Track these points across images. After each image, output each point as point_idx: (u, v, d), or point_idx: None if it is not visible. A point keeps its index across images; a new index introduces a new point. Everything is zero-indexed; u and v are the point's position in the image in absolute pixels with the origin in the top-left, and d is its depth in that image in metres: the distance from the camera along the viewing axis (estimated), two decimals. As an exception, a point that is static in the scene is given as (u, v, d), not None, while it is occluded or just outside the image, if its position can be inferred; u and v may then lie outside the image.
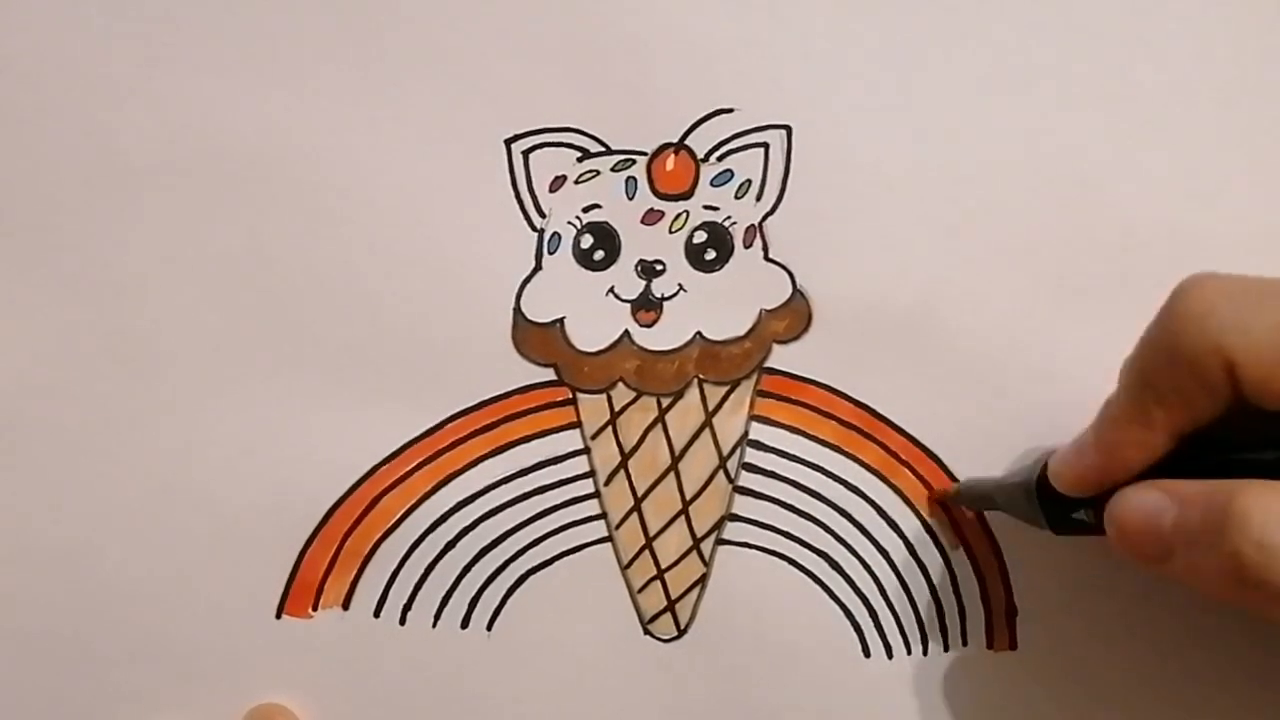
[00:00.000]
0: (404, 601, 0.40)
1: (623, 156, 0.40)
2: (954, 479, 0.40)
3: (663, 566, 0.40)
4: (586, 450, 0.40)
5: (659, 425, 0.40)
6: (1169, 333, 0.32)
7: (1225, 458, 0.32)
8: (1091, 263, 0.40)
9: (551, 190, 0.40)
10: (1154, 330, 0.33)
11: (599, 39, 0.40)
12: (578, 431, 0.40)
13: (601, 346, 0.40)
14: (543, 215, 0.40)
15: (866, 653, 0.40)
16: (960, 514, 0.40)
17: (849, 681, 0.39)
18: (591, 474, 0.40)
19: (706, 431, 0.40)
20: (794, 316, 0.40)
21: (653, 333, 0.40)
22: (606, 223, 0.40)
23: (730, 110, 0.40)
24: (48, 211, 0.40)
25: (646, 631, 0.40)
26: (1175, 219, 0.40)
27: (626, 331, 0.40)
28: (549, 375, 0.40)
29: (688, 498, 0.40)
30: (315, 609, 0.39)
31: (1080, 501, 0.35)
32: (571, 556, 0.40)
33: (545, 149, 0.40)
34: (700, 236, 0.40)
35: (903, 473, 0.40)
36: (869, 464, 0.40)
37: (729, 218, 0.40)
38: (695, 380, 0.40)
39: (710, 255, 0.40)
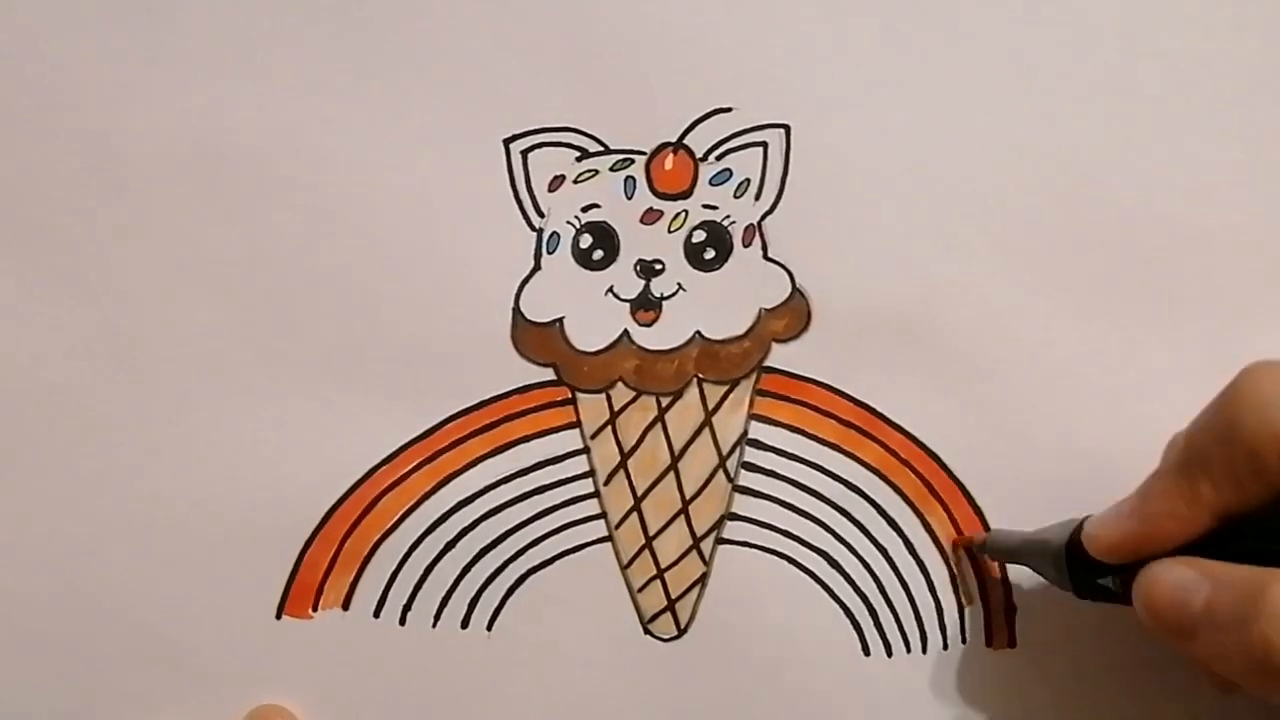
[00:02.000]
0: (404, 602, 0.40)
1: (621, 156, 0.40)
2: (953, 479, 0.40)
3: (662, 566, 0.40)
4: (586, 450, 0.40)
5: (658, 425, 0.40)
6: (1229, 414, 0.32)
7: (1263, 545, 0.32)
8: (1091, 263, 0.40)
9: (550, 190, 0.40)
10: (1214, 409, 0.33)
11: (598, 39, 0.40)
12: (577, 431, 0.40)
13: (601, 346, 0.40)
14: (541, 215, 0.40)
15: (866, 651, 0.40)
16: (966, 518, 0.40)
17: (849, 680, 0.39)
18: (591, 474, 0.40)
19: (706, 431, 0.40)
20: (793, 315, 0.40)
21: (652, 332, 0.40)
22: (605, 222, 0.40)
23: (729, 109, 0.40)
24: (48, 212, 0.40)
25: (646, 631, 0.40)
26: (1175, 219, 0.40)
27: (626, 331, 0.40)
28: (548, 375, 0.40)
29: (687, 497, 0.40)
30: (315, 609, 0.39)
31: (1108, 569, 0.35)
32: (571, 556, 0.40)
33: (544, 149, 0.40)
34: (699, 236, 0.40)
35: (902, 471, 0.40)
36: (868, 463, 0.40)
37: (728, 217, 0.40)
38: (695, 379, 0.40)
39: (709, 254, 0.40)
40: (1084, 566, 0.35)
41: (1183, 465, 0.33)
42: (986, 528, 0.40)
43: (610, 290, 0.40)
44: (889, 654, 0.40)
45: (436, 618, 0.40)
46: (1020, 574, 0.39)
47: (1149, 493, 0.34)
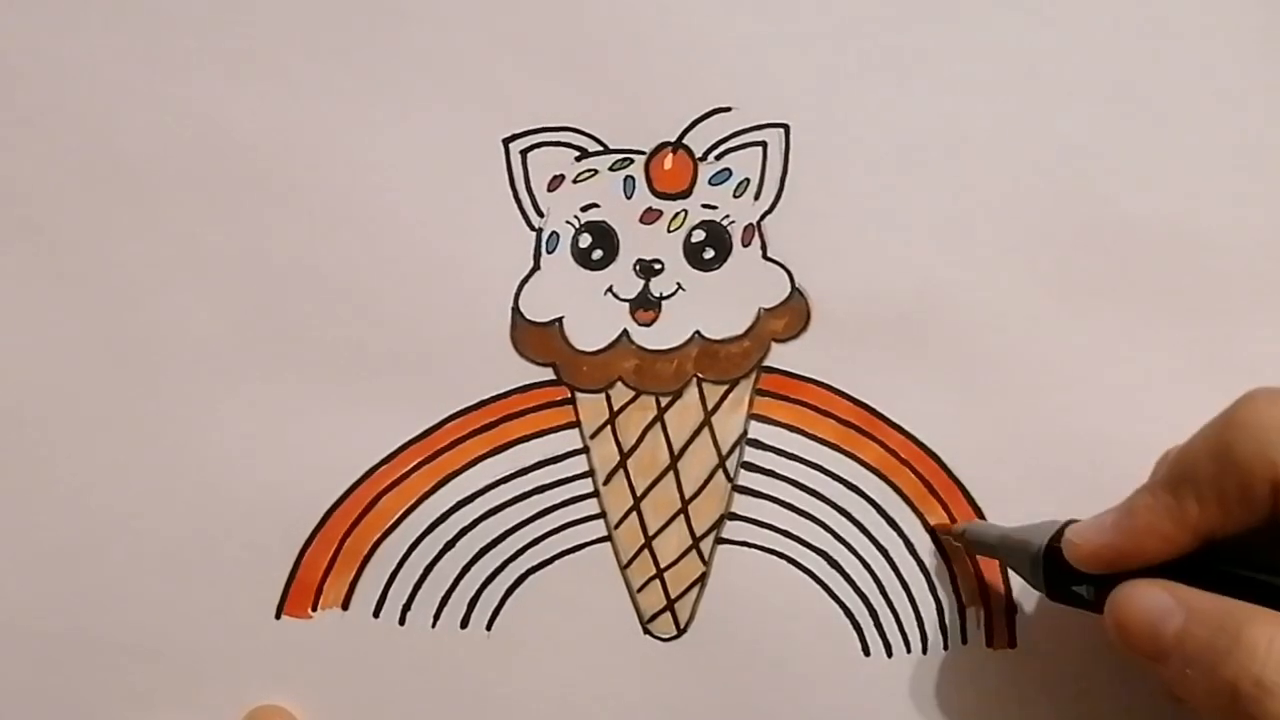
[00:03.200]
0: (403, 601, 0.40)
1: (621, 155, 0.40)
2: (953, 479, 0.40)
3: (662, 566, 0.40)
4: (585, 449, 0.40)
5: (658, 424, 0.40)
6: (1225, 437, 0.32)
7: (1243, 574, 0.32)
8: (1091, 262, 0.40)
9: (550, 190, 0.40)
10: (1210, 430, 0.33)
11: (598, 39, 0.40)
12: (576, 431, 0.40)
13: (600, 346, 0.40)
14: (541, 214, 0.40)
15: (866, 651, 0.40)
16: (966, 518, 0.40)
17: (849, 680, 0.39)
18: (590, 473, 0.40)
19: (705, 430, 0.40)
20: (793, 315, 0.40)
21: (651, 332, 0.40)
22: (605, 222, 0.40)
23: (728, 109, 0.40)
24: (48, 212, 0.40)
25: (646, 631, 0.40)
26: (1175, 219, 0.40)
27: (625, 331, 0.40)
28: (548, 375, 0.40)
29: (687, 497, 0.40)
30: (315, 609, 0.39)
31: (1084, 577, 0.35)
32: (571, 556, 0.40)
33: (543, 148, 0.40)
34: (699, 235, 0.40)
35: (902, 471, 0.40)
36: (868, 462, 0.40)
37: (727, 216, 0.40)
38: (694, 379, 0.40)
39: (709, 254, 0.40)
40: (1060, 571, 0.35)
41: (1171, 482, 0.33)
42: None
43: (610, 290, 0.40)
44: (889, 654, 0.40)
45: (436, 618, 0.40)
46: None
47: (1134, 506, 0.34)
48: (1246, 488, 0.31)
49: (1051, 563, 0.35)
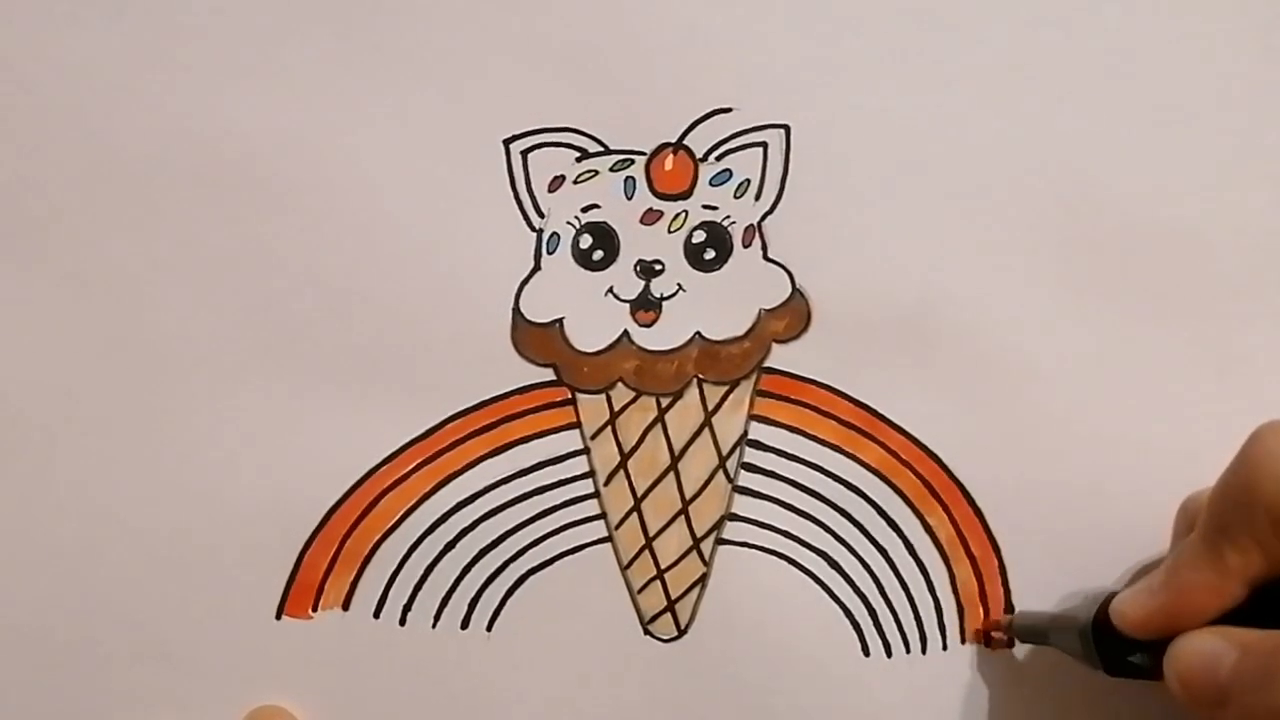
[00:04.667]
0: (404, 602, 0.40)
1: (621, 156, 0.40)
2: (954, 479, 0.40)
3: (662, 566, 0.40)
4: (586, 450, 0.40)
5: (658, 425, 0.40)
6: (1244, 478, 0.32)
7: None
8: (1092, 263, 0.40)
9: (550, 190, 0.40)
10: (1228, 475, 0.33)
11: (597, 39, 0.40)
12: (577, 432, 0.40)
13: (601, 346, 0.40)
14: (541, 215, 0.40)
15: (866, 652, 0.40)
16: (966, 518, 0.40)
17: (849, 681, 0.39)
18: (591, 474, 0.40)
19: (706, 431, 0.40)
20: (793, 316, 0.40)
21: (652, 333, 0.40)
22: (605, 223, 0.40)
23: (729, 110, 0.40)
24: (48, 212, 0.40)
25: (646, 631, 0.40)
26: (1175, 220, 0.40)
27: (626, 331, 0.40)
28: (548, 375, 0.40)
29: (687, 497, 0.40)
30: (315, 610, 0.39)
31: (1137, 645, 0.34)
32: (571, 557, 0.40)
33: (544, 149, 0.40)
34: (699, 236, 0.40)
35: (903, 472, 0.40)
36: (869, 463, 0.40)
37: (728, 217, 0.40)
38: (694, 380, 0.40)
39: (709, 255, 0.40)
40: (1114, 644, 0.35)
41: (1207, 536, 0.33)
42: (986, 528, 0.40)
43: (610, 291, 0.40)
44: (889, 654, 0.40)
45: (436, 618, 0.40)
46: (1020, 575, 0.39)
47: (1177, 566, 0.34)
48: (1277, 525, 0.31)
49: (1102, 637, 0.35)
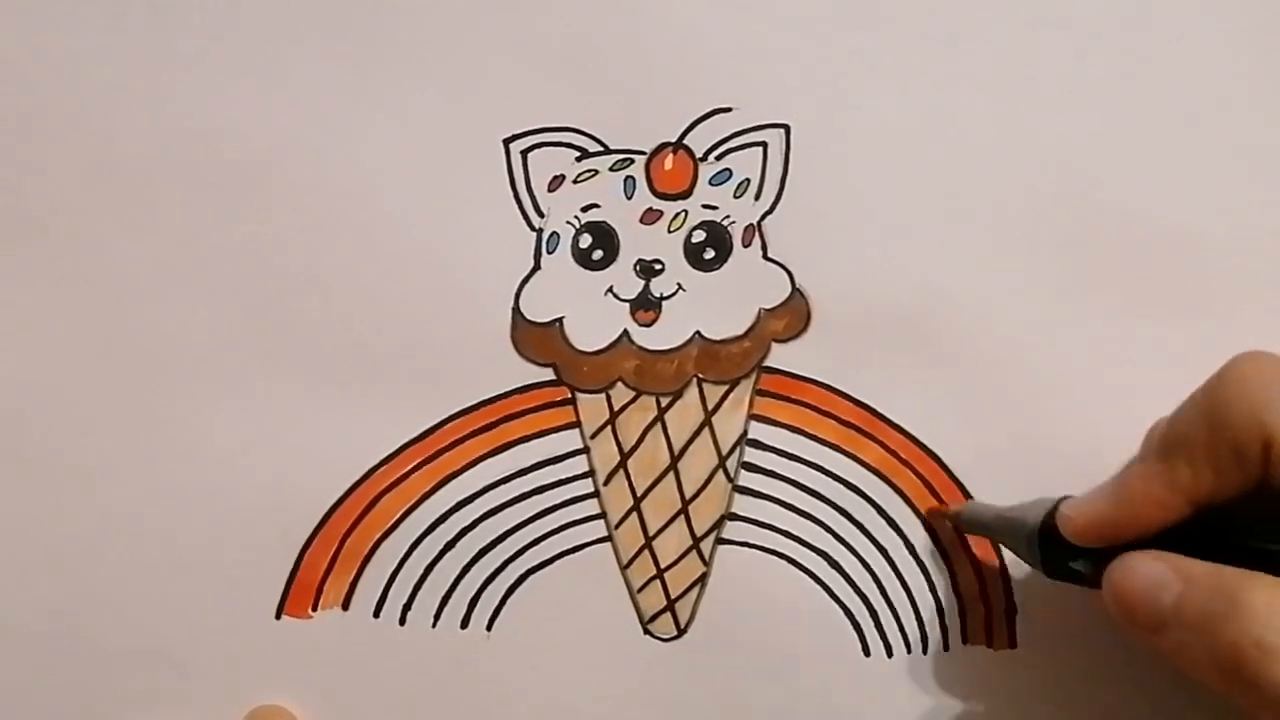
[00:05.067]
0: (404, 602, 0.40)
1: (621, 156, 0.40)
2: (954, 479, 0.40)
3: (662, 566, 0.40)
4: (586, 450, 0.40)
5: (658, 425, 0.40)
6: (1215, 398, 0.32)
7: (1239, 542, 0.32)
8: (1091, 263, 0.40)
9: (550, 190, 0.40)
10: (1200, 395, 0.33)
11: (597, 39, 0.40)
12: (577, 431, 0.40)
13: (600, 346, 0.40)
14: (541, 215, 0.40)
15: (866, 652, 0.40)
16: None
17: (849, 681, 0.39)
18: (591, 474, 0.40)
19: (706, 431, 0.40)
20: (793, 315, 0.40)
21: (652, 332, 0.40)
22: (605, 222, 0.40)
23: (729, 109, 0.40)
24: (48, 212, 0.40)
25: (646, 631, 0.40)
26: (1175, 219, 0.40)
27: (625, 331, 0.40)
28: (548, 375, 0.40)
29: (687, 497, 0.40)
30: (315, 609, 0.39)
31: (1080, 552, 0.34)
32: (571, 556, 0.40)
33: (544, 148, 0.40)
34: (699, 236, 0.40)
35: (903, 472, 0.40)
36: (869, 463, 0.40)
37: (728, 217, 0.40)
38: (694, 379, 0.40)
39: (709, 254, 0.40)
40: (1057, 547, 0.35)
41: (1163, 449, 0.33)
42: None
43: (610, 290, 0.40)
44: (889, 654, 0.40)
45: (436, 618, 0.40)
46: (1020, 574, 0.39)
47: (1127, 476, 0.34)
48: (1238, 449, 0.31)
49: (1047, 540, 0.35)
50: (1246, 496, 0.32)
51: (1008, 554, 0.39)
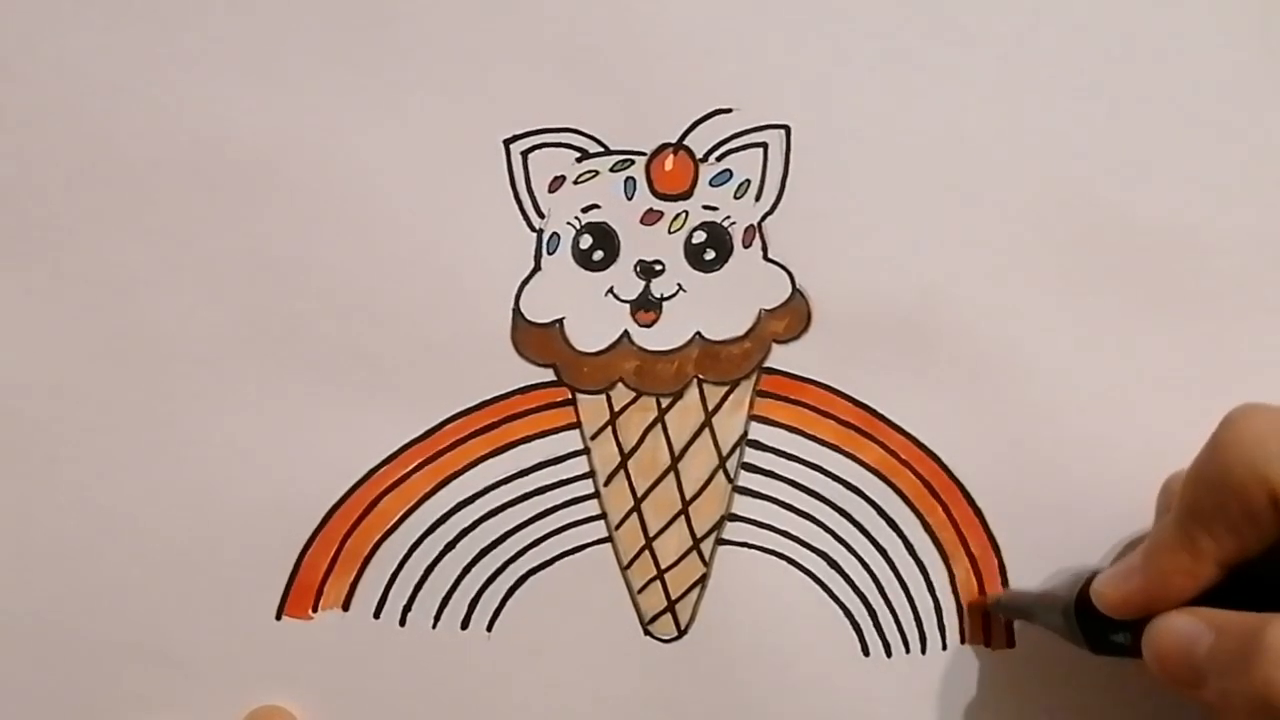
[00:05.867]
0: (404, 602, 0.40)
1: (622, 157, 0.40)
2: (953, 479, 0.40)
3: (663, 567, 0.40)
4: (586, 451, 0.40)
5: (658, 425, 0.40)
6: (1216, 462, 0.32)
7: (1270, 593, 0.32)
8: (1092, 263, 0.40)
9: (550, 190, 0.40)
10: (1201, 460, 0.33)
11: (598, 39, 0.40)
12: (577, 432, 0.40)
13: (601, 347, 0.40)
14: (542, 215, 0.40)
15: (866, 652, 0.40)
16: (966, 518, 0.40)
17: (849, 681, 0.40)
18: (591, 474, 0.40)
19: (706, 431, 0.40)
20: (793, 316, 0.40)
21: (652, 333, 0.40)
22: (605, 223, 0.40)
23: (729, 110, 0.40)
24: (48, 211, 0.40)
25: (646, 632, 0.40)
26: (1174, 220, 0.40)
27: (626, 332, 0.40)
28: (548, 376, 0.40)
29: (687, 498, 0.40)
30: (315, 610, 0.39)
31: (1119, 624, 0.35)
32: (571, 557, 0.40)
33: (544, 149, 0.40)
34: (699, 236, 0.40)
35: (902, 472, 0.40)
36: (869, 464, 0.40)
37: (728, 218, 0.40)
38: (695, 380, 0.40)
39: (709, 255, 0.40)
40: (1096, 623, 0.35)
41: (1180, 520, 0.33)
42: (986, 528, 0.40)
43: (610, 291, 0.40)
44: (889, 654, 0.40)
45: (436, 618, 0.40)
46: (1020, 575, 0.40)
47: (1152, 549, 0.34)
48: (1248, 509, 0.31)
49: (1084, 616, 0.35)
50: (1269, 549, 0.32)
51: (1008, 553, 0.39)
